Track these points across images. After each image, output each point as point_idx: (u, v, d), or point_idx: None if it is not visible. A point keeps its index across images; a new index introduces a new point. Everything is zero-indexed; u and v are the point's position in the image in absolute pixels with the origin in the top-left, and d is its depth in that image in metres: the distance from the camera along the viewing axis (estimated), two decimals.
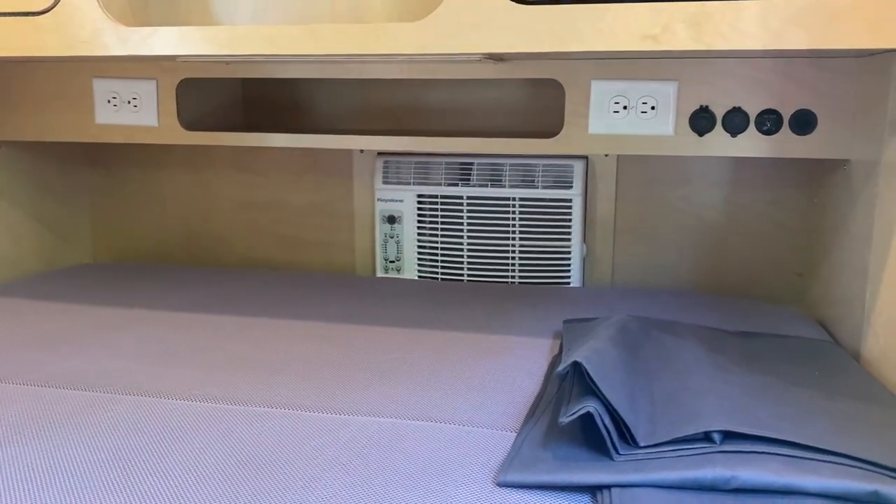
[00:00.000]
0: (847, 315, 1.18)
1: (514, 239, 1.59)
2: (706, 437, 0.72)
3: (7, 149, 1.55)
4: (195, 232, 1.75)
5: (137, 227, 1.78)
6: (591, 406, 0.72)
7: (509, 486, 0.71)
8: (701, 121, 1.24)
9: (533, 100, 1.58)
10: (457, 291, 1.46)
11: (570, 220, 1.55)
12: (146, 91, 1.44)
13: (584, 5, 0.92)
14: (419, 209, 1.62)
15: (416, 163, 1.60)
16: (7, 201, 1.56)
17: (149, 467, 0.74)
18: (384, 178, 1.62)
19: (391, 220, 1.64)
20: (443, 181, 1.60)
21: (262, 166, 1.70)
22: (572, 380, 0.80)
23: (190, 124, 1.48)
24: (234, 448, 0.79)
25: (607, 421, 0.73)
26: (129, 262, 1.77)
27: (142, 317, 1.25)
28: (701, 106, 1.24)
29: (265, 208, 1.72)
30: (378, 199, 1.64)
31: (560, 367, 0.77)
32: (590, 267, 1.59)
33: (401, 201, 1.63)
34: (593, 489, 0.70)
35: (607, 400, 0.73)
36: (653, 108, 1.26)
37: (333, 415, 0.87)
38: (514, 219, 1.58)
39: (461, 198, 1.60)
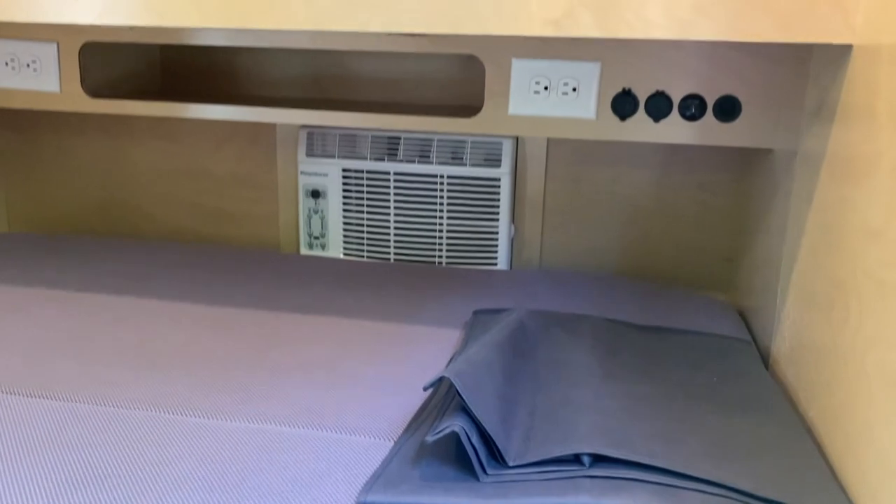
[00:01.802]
0: (762, 310, 1.16)
1: (441, 218, 1.54)
2: (577, 458, 0.68)
3: None
4: (113, 201, 1.68)
5: (53, 195, 1.70)
6: (458, 425, 0.68)
7: None
8: (623, 104, 1.19)
9: (464, 71, 1.52)
10: (378, 273, 1.41)
11: (498, 200, 1.51)
12: (46, 54, 1.36)
13: None
14: (345, 184, 1.56)
15: (342, 135, 1.54)
16: None
17: None
18: (308, 150, 1.56)
19: (315, 194, 1.58)
20: (369, 155, 1.53)
21: (182, 134, 1.62)
22: (449, 392, 0.76)
23: (96, 91, 1.40)
24: (83, 454, 0.74)
25: (475, 440, 0.69)
26: (42, 233, 1.69)
27: (38, 297, 1.19)
28: (624, 89, 1.19)
29: (186, 178, 1.64)
30: (301, 173, 1.57)
31: (427, 383, 0.73)
32: (518, 248, 1.55)
33: (325, 175, 1.56)
34: None
35: (477, 418, 0.69)
36: (574, 89, 1.20)
37: (200, 418, 0.82)
38: (441, 197, 1.53)
39: (388, 173, 1.54)
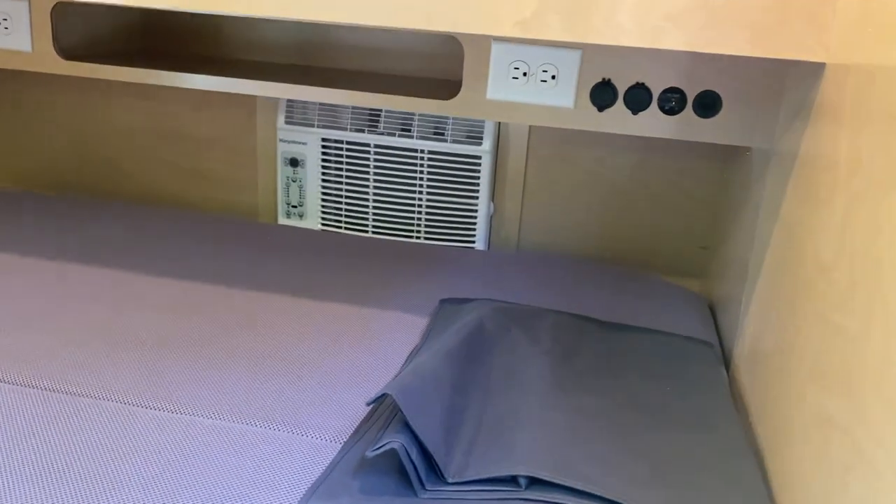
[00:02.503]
0: (729, 308, 1.16)
1: (421, 193, 1.53)
2: (514, 479, 0.69)
3: None
4: (92, 158, 1.66)
5: (31, 151, 1.68)
6: (398, 442, 0.69)
7: None
8: (602, 94, 1.16)
9: (447, 45, 1.49)
10: (352, 248, 1.40)
11: (478, 178, 1.49)
12: (17, 11, 1.32)
13: None
14: (323, 154, 1.54)
15: (322, 104, 1.51)
16: None
17: None
18: (287, 117, 1.53)
19: (294, 162, 1.56)
20: (349, 126, 1.51)
21: (162, 93, 1.60)
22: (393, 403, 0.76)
23: (70, 51, 1.37)
24: (27, 441, 0.75)
25: (415, 456, 0.69)
26: (20, 188, 1.68)
27: (9, 265, 1.19)
28: (604, 79, 1.16)
29: (164, 138, 1.62)
30: (280, 140, 1.55)
31: (370, 399, 0.74)
32: (497, 226, 1.54)
33: (304, 144, 1.55)
34: None
35: (418, 435, 0.70)
36: (553, 77, 1.17)
37: (146, 408, 0.83)
38: (422, 172, 1.51)
39: (368, 146, 1.52)
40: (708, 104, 1.14)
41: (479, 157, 1.48)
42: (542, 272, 1.33)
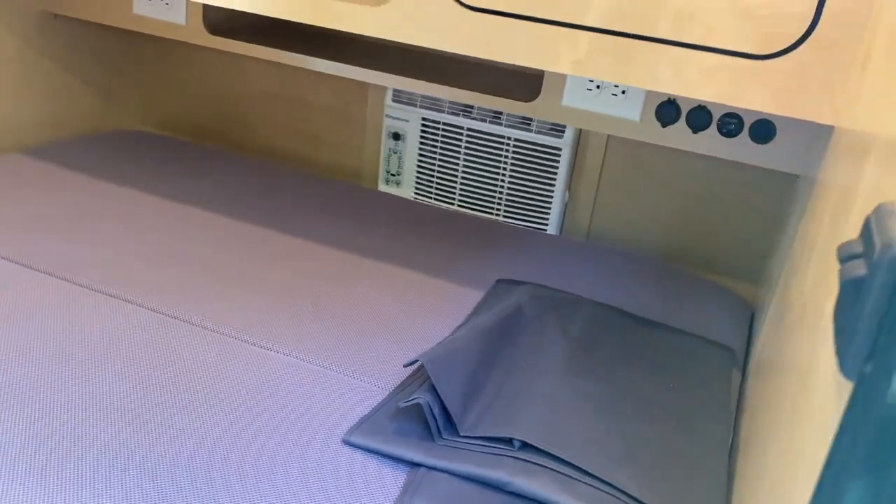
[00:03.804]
0: (759, 315, 1.27)
1: (503, 177, 1.69)
2: (510, 441, 0.87)
3: (63, 20, 1.71)
4: (228, 114, 1.92)
5: (179, 101, 1.95)
6: (424, 399, 0.88)
7: (351, 446, 0.89)
8: (667, 112, 1.28)
9: None
10: (437, 218, 1.58)
11: (556, 168, 1.63)
12: None
13: (523, 22, 0.98)
14: (422, 132, 1.73)
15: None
16: (62, 66, 1.75)
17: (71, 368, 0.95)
18: (395, 97, 1.72)
19: (396, 136, 1.76)
20: (447, 109, 1.68)
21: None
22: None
23: (216, 27, 1.60)
24: (143, 361, 0.98)
25: (437, 411, 0.88)
26: (167, 133, 1.95)
27: (142, 203, 1.44)
28: (669, 98, 1.28)
29: (289, 102, 1.85)
30: (386, 115, 1.74)
31: (408, 361, 0.93)
32: (570, 214, 1.68)
33: (407, 121, 1.73)
34: (411, 464, 0.87)
35: (439, 395, 0.88)
36: (623, 91, 1.30)
37: (241, 341, 1.05)
38: (506, 157, 1.67)
39: (462, 128, 1.69)
40: (763, 132, 1.24)
41: (560, 149, 1.62)
42: (602, 262, 1.47)
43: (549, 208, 1.67)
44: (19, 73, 1.65)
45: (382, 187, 1.80)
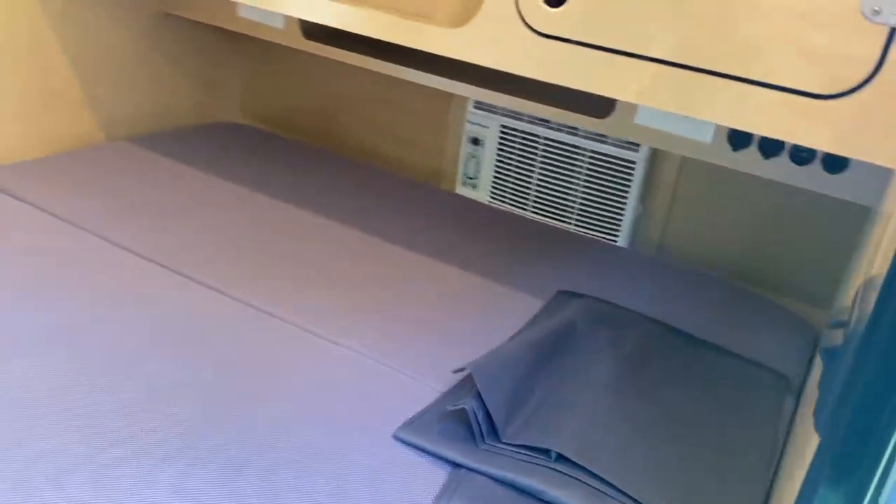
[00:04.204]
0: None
1: (577, 186, 1.72)
2: (547, 451, 0.92)
3: (173, 18, 1.84)
4: (320, 111, 2.02)
5: (276, 97, 2.07)
6: (469, 404, 0.94)
7: (400, 441, 0.96)
8: (739, 136, 1.29)
9: None
10: (509, 224, 1.62)
11: (630, 181, 1.66)
12: None
13: (591, 50, 1.02)
14: (501, 138, 1.78)
15: None
16: (170, 61, 1.88)
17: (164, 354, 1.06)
18: (476, 103, 1.78)
19: (475, 141, 1.81)
20: (525, 118, 1.73)
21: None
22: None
23: (311, 31, 1.69)
24: (218, 346, 1.08)
25: (481, 417, 0.94)
26: (265, 126, 2.07)
27: (238, 196, 1.55)
28: None
29: (379, 103, 1.93)
30: (468, 121, 1.80)
31: (457, 368, 0.99)
32: (641, 227, 1.70)
33: (486, 127, 1.79)
34: (454, 464, 0.93)
35: (485, 402, 0.94)
36: None
37: (309, 334, 1.14)
38: (581, 168, 1.70)
39: (539, 137, 1.73)
40: (836, 162, 1.23)
41: (635, 163, 1.64)
42: (666, 278, 1.48)
43: (621, 220, 1.70)
44: (132, 67, 1.79)
45: (460, 190, 1.86)
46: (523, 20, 1.05)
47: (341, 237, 1.46)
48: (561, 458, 0.91)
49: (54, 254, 1.26)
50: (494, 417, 0.94)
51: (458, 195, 1.79)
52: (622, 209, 1.69)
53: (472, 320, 1.24)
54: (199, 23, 1.86)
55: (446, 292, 1.31)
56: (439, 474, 0.92)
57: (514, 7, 1.05)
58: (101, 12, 1.68)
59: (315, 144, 2.00)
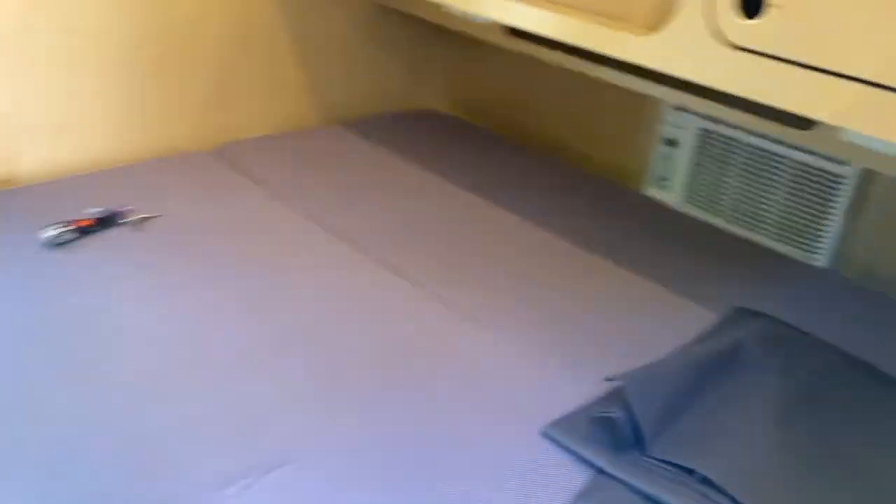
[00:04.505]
0: None
1: (777, 198, 1.63)
2: (692, 471, 0.91)
3: (386, 10, 1.97)
4: (521, 104, 2.06)
5: (481, 87, 2.14)
6: (618, 414, 0.95)
7: (547, 438, 0.99)
8: None
9: None
10: (697, 231, 1.58)
11: (836, 197, 1.54)
12: None
13: (787, 65, 0.97)
14: (699, 141, 1.72)
15: None
16: (381, 49, 2.01)
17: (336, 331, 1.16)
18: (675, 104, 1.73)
19: (670, 142, 1.77)
20: (726, 122, 1.66)
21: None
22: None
23: (511, 28, 1.74)
24: (387, 326, 1.17)
25: (629, 428, 0.95)
26: (467, 116, 2.15)
27: (428, 182, 1.64)
28: None
29: (578, 97, 1.94)
30: (663, 121, 1.77)
31: (611, 375, 0.99)
32: (845, 247, 1.58)
33: (683, 128, 1.74)
34: (596, 469, 0.95)
35: (634, 414, 0.95)
36: None
37: (467, 320, 1.19)
38: (783, 178, 1.61)
39: (739, 142, 1.66)
40: None
41: (843, 178, 1.52)
42: (863, 305, 1.37)
43: (822, 238, 1.59)
44: (349, 55, 1.94)
45: (651, 191, 1.83)
46: (717, 31, 1.02)
47: (520, 230, 1.50)
48: (706, 481, 0.90)
49: (256, 223, 1.42)
50: (643, 430, 0.95)
51: (646, 196, 1.77)
52: (825, 226, 1.58)
53: (638, 327, 1.23)
54: (409, 15, 1.97)
55: (617, 296, 1.32)
56: (581, 477, 0.94)
57: (708, 17, 1.03)
58: (327, 2, 1.84)
59: (508, 135, 2.05)
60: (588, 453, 0.95)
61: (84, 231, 1.30)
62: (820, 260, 1.59)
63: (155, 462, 0.90)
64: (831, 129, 1.30)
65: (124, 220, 1.35)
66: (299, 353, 1.10)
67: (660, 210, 1.67)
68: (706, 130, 1.70)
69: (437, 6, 1.80)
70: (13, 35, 1.41)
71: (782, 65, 0.97)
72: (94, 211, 1.34)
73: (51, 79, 1.48)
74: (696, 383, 1.03)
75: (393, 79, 2.07)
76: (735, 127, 1.64)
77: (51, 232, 1.27)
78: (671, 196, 1.80)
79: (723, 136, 1.67)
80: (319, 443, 0.95)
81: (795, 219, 1.61)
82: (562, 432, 0.99)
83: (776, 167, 1.61)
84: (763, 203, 1.65)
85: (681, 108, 1.71)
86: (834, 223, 1.56)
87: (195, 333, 1.12)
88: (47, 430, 0.93)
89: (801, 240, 1.61)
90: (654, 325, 1.24)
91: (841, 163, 1.51)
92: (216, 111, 1.73)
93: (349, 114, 1.98)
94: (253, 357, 1.08)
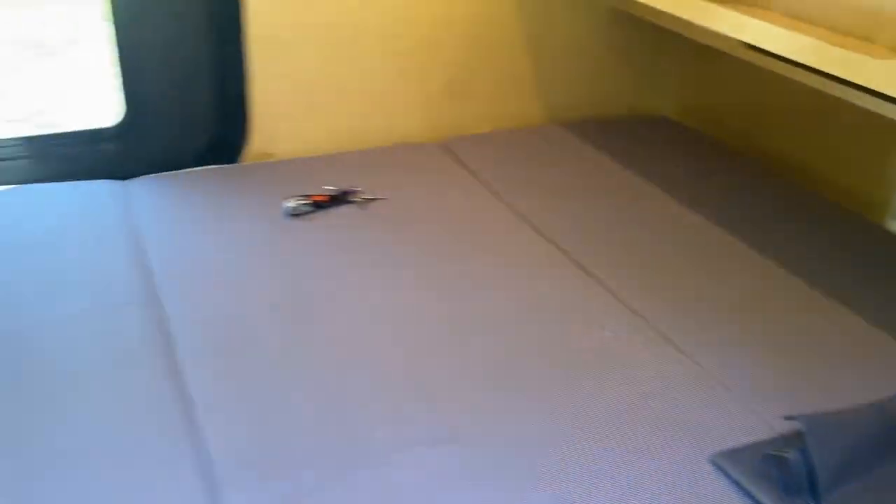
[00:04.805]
0: None
1: None
2: None
3: (621, 14, 1.96)
4: (755, 117, 1.96)
5: (714, 96, 2.07)
6: (793, 456, 0.91)
7: (715, 466, 0.97)
8: None
9: None
10: None
11: None
12: None
13: None
14: None
15: None
16: (614, 53, 2.01)
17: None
18: None
19: None
20: None
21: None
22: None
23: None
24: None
25: (803, 473, 0.90)
26: (693, 125, 2.09)
27: (642, 190, 1.63)
28: None
29: (813, 118, 1.81)
30: None
31: (793, 414, 0.95)
32: None
33: None
34: None
35: (812, 458, 0.90)
36: None
37: (661, 338, 1.18)
38: None
39: None
40: None
41: None
42: None
43: None
44: (582, 58, 1.97)
45: (890, 224, 1.67)
46: None
47: (734, 251, 1.44)
48: None
49: (468, 214, 1.51)
50: (819, 478, 0.90)
51: (889, 232, 1.61)
52: None
53: (844, 372, 1.15)
54: (645, 21, 1.95)
55: (828, 335, 1.23)
56: None
57: None
58: (565, 7, 1.88)
59: (739, 147, 1.96)
60: (755, 490, 0.92)
61: (318, 205, 1.47)
62: None
63: (345, 416, 1.02)
64: None
65: (353, 200, 1.51)
66: (482, 341, 1.17)
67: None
68: None
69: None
70: (285, 29, 1.61)
71: None
72: (329, 188, 1.50)
73: (308, 67, 1.67)
74: (889, 441, 0.95)
75: (623, 83, 2.06)
76: None
77: (291, 203, 1.45)
78: None
79: None
80: (486, 429, 1.01)
81: None
82: (731, 463, 0.96)
83: None
84: None
85: None
86: None
87: (395, 307, 1.23)
88: (261, 371, 1.09)
89: None
90: (863, 372, 1.15)
91: None
92: (450, 106, 1.85)
93: (574, 115, 2.01)
94: (441, 337, 1.17)
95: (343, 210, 1.49)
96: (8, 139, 1.59)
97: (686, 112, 2.16)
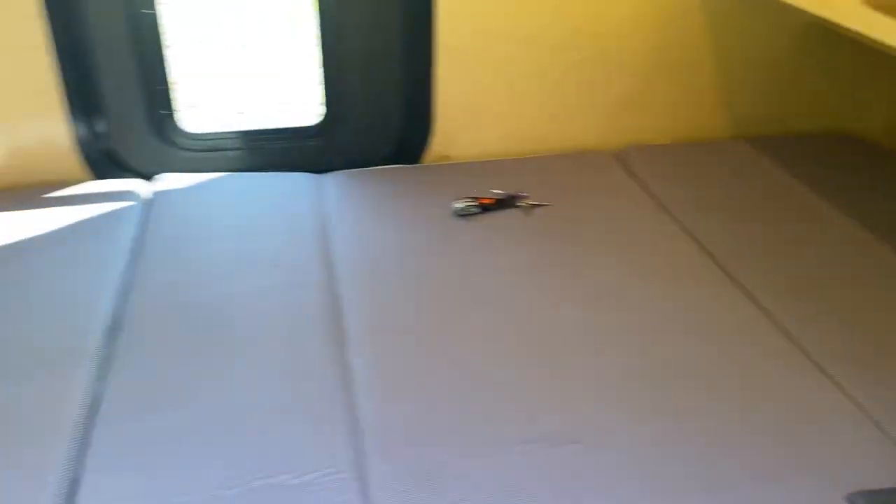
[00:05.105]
0: None
1: None
2: None
3: (824, 29, 1.85)
4: None
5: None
6: None
7: None
8: None
9: None
10: None
11: None
12: None
13: None
14: None
15: None
16: (811, 69, 1.90)
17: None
18: None
19: None
20: None
21: None
22: None
23: None
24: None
25: None
26: (888, 145, 1.93)
27: (816, 212, 1.55)
28: None
29: None
30: None
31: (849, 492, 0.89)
32: None
33: None
34: None
35: None
36: None
37: (803, 357, 1.16)
38: None
39: None
40: None
41: None
42: None
43: None
44: (774, 72, 1.89)
45: None
46: None
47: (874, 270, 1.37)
48: None
49: (630, 227, 1.53)
50: None
51: None
52: None
53: None
54: (847, 37, 1.84)
55: None
56: None
57: None
58: (758, 19, 1.82)
59: None
60: None
61: (485, 208, 1.56)
62: None
63: (483, 406, 1.10)
64: None
65: (518, 204, 1.58)
66: (619, 349, 1.19)
67: None
68: None
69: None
70: (469, 38, 1.71)
71: None
72: (496, 192, 1.59)
73: (488, 75, 1.76)
74: None
75: (821, 100, 1.95)
76: None
77: (460, 204, 1.55)
78: None
79: None
80: (611, 435, 1.04)
81: None
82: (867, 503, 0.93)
83: None
84: None
85: None
86: None
87: (543, 310, 1.29)
88: (416, 355, 1.19)
89: None
90: None
91: None
92: (625, 116, 1.86)
93: (761, 130, 1.94)
94: (580, 342, 1.22)
95: (507, 214, 1.56)
96: (229, 132, 1.83)
97: (892, 134, 2.01)
